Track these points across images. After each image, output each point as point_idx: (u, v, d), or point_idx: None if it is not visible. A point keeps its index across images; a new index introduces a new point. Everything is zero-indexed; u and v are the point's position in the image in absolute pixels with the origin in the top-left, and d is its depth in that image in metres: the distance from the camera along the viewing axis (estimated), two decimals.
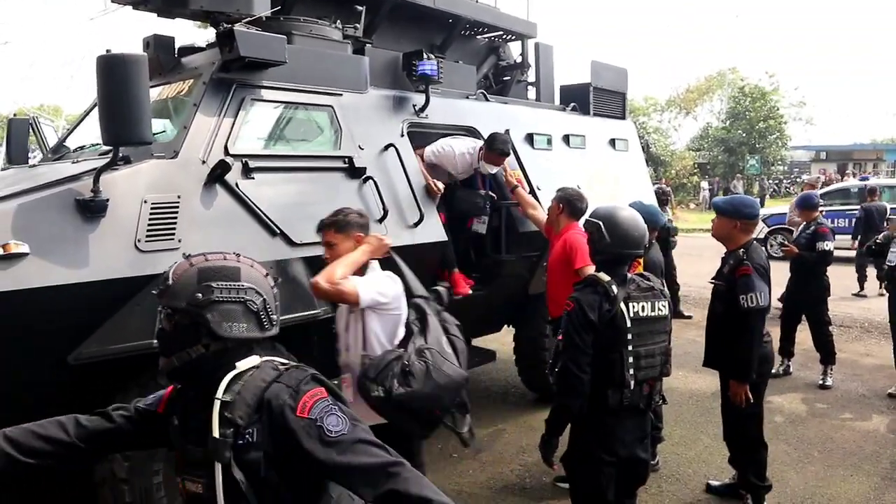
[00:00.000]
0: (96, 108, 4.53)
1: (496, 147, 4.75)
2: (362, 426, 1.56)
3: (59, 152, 4.49)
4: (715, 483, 4.37)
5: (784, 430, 5.32)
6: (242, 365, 1.60)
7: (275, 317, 1.68)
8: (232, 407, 1.54)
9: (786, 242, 6.49)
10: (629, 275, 2.95)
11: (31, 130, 4.95)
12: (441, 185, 4.61)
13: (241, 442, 1.53)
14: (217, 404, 1.54)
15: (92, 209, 2.97)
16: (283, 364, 1.64)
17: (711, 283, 4.00)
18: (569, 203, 4.35)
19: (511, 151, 4.90)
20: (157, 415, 1.72)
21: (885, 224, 5.74)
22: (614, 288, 2.81)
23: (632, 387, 2.81)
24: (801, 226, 6.74)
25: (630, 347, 2.80)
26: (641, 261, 4.17)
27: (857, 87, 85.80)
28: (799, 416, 5.65)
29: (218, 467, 1.52)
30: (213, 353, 1.61)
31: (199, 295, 1.59)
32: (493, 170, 4.87)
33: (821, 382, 6.40)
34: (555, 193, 4.51)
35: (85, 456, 1.71)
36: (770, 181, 34.14)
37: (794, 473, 4.58)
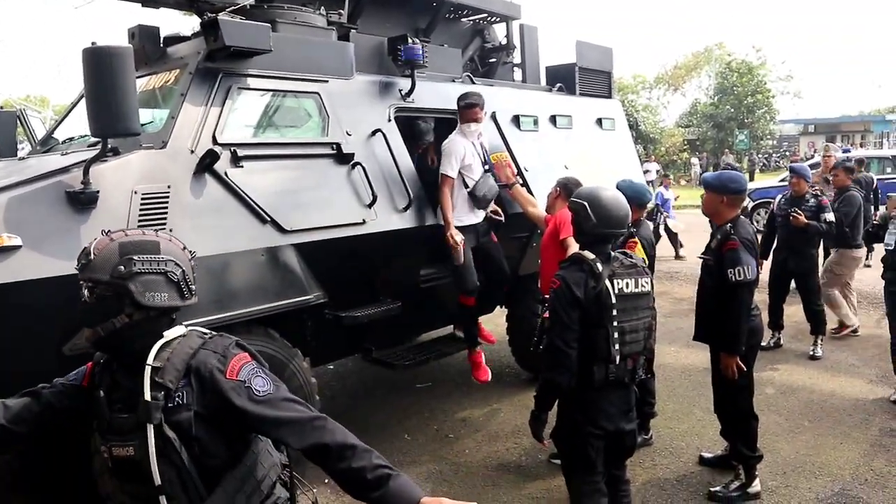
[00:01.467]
0: (84, 100, 4.55)
1: (463, 102, 4.77)
2: (284, 387, 1.74)
3: (47, 144, 4.48)
4: (707, 455, 4.45)
5: (775, 401, 5.41)
6: (170, 334, 1.73)
7: (194, 287, 1.79)
8: (162, 372, 1.66)
9: (797, 211, 6.37)
10: (613, 253, 3.01)
11: (18, 122, 4.93)
12: (460, 238, 4.55)
13: (170, 404, 1.64)
14: (148, 370, 1.65)
15: (82, 201, 2.99)
16: (206, 333, 1.78)
17: (700, 258, 4.05)
18: (565, 187, 4.40)
19: (481, 101, 4.79)
20: (81, 388, 1.81)
21: (886, 202, 5.74)
22: (599, 265, 2.87)
23: (617, 362, 2.88)
24: (780, 198, 6.81)
25: (615, 323, 2.86)
26: (637, 240, 4.23)
27: (844, 59, 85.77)
28: (790, 387, 5.74)
29: (150, 429, 1.62)
30: (136, 322, 1.70)
31: (122, 268, 1.67)
32: (473, 127, 4.77)
33: (811, 353, 6.50)
34: (550, 179, 4.59)
35: (18, 437, 1.79)
36: (759, 156, 34.27)
37: (785, 443, 4.67)
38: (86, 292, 1.69)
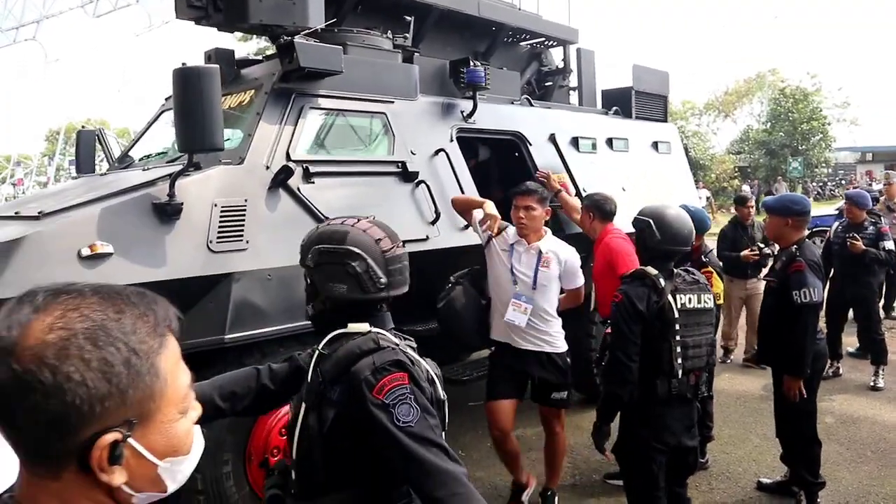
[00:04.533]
0: (158, 120, 4.79)
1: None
2: (432, 421, 1.60)
3: (124, 161, 4.72)
4: (766, 481, 4.38)
5: (836, 431, 5.29)
6: (352, 328, 1.76)
7: (383, 280, 1.78)
8: (325, 361, 1.72)
9: (855, 236, 6.27)
10: (675, 270, 3.04)
11: (97, 141, 5.20)
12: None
13: (326, 395, 1.69)
14: (315, 354, 1.75)
15: (168, 212, 3.16)
16: (386, 341, 1.72)
17: (765, 280, 4.04)
18: (597, 208, 4.37)
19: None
20: None
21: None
22: (661, 280, 2.90)
23: (679, 376, 2.90)
24: (837, 225, 6.72)
25: (678, 338, 2.89)
26: (712, 270, 4.25)
27: None
28: (850, 417, 5.60)
29: (302, 407, 1.72)
30: (329, 310, 1.80)
31: (310, 256, 1.80)
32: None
33: (872, 384, 6.31)
34: (583, 201, 4.55)
35: (276, 397, 1.92)
36: (814, 184, 33.51)
37: (848, 473, 4.56)
38: (305, 275, 1.86)
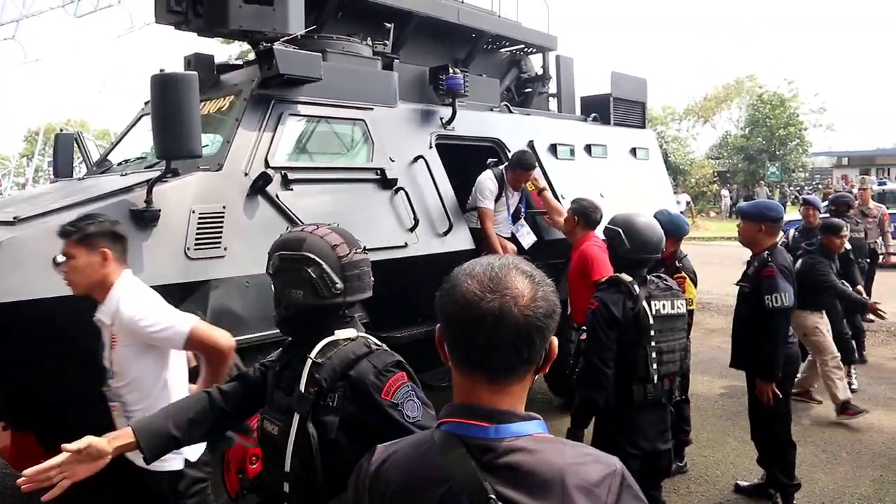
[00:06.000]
0: (138, 124, 4.77)
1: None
2: (433, 414, 1.73)
3: (102, 166, 4.68)
4: (743, 483, 4.43)
5: (812, 433, 5.37)
6: (340, 334, 1.79)
7: (339, 286, 1.80)
8: (320, 369, 1.72)
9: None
10: (648, 276, 3.09)
11: (75, 145, 5.16)
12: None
13: (321, 403, 1.71)
14: (308, 363, 1.73)
15: (145, 219, 3.15)
16: (375, 345, 1.80)
17: (737, 285, 4.10)
18: (584, 215, 4.41)
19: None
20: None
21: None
22: (636, 287, 2.95)
23: (655, 381, 2.94)
24: (794, 231, 6.80)
25: (653, 343, 2.93)
26: (685, 276, 4.30)
27: (879, 92, 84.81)
28: (826, 419, 5.68)
29: (296, 417, 1.71)
30: (292, 315, 1.83)
31: (271, 262, 1.84)
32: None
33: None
34: (570, 204, 4.61)
35: (233, 420, 1.93)
36: (791, 188, 33.93)
37: (823, 474, 4.63)
38: None
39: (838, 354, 5.67)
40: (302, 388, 1.71)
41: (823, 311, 5.71)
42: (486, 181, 4.90)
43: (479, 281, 1.13)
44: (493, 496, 1.04)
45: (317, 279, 1.78)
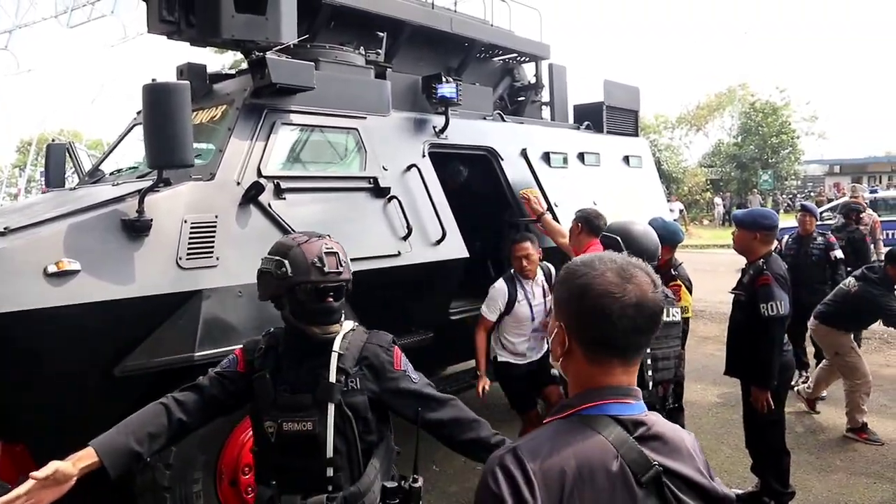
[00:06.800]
0: (130, 134, 4.75)
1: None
2: (422, 375, 2.11)
3: (94, 176, 4.67)
4: (738, 491, 4.42)
5: (805, 440, 5.37)
6: (347, 326, 2.05)
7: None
8: (343, 358, 1.96)
9: None
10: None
11: (67, 155, 5.14)
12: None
13: (345, 388, 1.94)
14: (335, 356, 1.95)
15: (137, 229, 3.14)
16: (364, 330, 2.10)
17: (732, 293, 4.10)
18: (587, 221, 4.39)
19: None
20: (238, 374, 2.04)
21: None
22: None
23: (650, 388, 2.94)
24: (787, 238, 6.83)
25: (649, 350, 2.92)
26: (681, 283, 4.28)
27: (871, 100, 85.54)
28: (820, 426, 5.69)
29: (331, 407, 1.90)
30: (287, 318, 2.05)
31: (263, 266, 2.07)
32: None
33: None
34: (574, 213, 4.59)
35: (189, 428, 2.00)
36: (783, 196, 34.09)
37: (817, 482, 4.63)
38: None
39: (871, 379, 5.57)
40: (332, 378, 1.91)
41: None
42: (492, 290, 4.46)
43: (616, 274, 1.26)
44: (656, 463, 1.20)
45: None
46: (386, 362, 2.00)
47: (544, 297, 4.41)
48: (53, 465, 1.71)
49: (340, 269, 2.00)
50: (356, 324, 2.09)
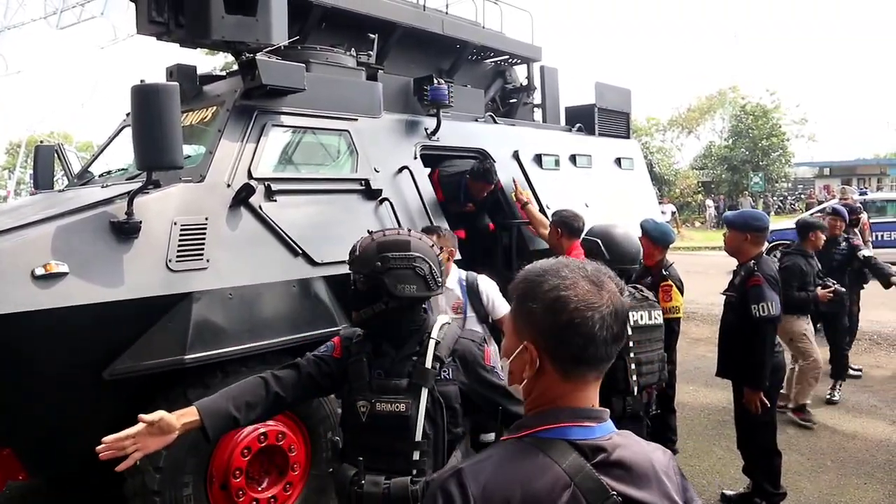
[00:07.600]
0: (119, 136, 4.72)
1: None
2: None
3: (84, 178, 4.64)
4: (729, 493, 4.43)
5: (796, 441, 5.38)
6: (442, 319, 2.14)
7: (440, 279, 2.12)
8: (439, 347, 2.04)
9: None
10: (626, 287, 3.09)
11: (56, 157, 5.11)
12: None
13: (438, 377, 2.02)
14: (432, 343, 2.04)
15: (126, 231, 3.11)
16: (459, 325, 2.17)
17: (724, 294, 4.11)
18: (565, 225, 4.39)
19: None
20: (334, 359, 2.13)
21: None
22: None
23: (635, 393, 2.93)
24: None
25: (633, 354, 2.93)
26: (671, 283, 4.29)
27: (860, 103, 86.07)
28: (811, 428, 5.70)
29: (424, 392, 1.98)
30: (392, 309, 2.05)
31: (378, 263, 2.03)
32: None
33: (828, 397, 6.35)
34: (550, 217, 4.60)
35: (286, 404, 2.13)
36: (774, 198, 34.26)
37: (808, 482, 4.64)
38: (354, 282, 2.09)
39: (821, 366, 5.72)
40: (428, 364, 1.99)
41: (809, 319, 5.73)
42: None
43: (589, 282, 1.19)
44: (614, 493, 1.10)
45: (428, 275, 2.06)
46: (478, 356, 2.08)
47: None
48: (160, 414, 1.82)
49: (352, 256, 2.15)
50: (452, 318, 2.21)
